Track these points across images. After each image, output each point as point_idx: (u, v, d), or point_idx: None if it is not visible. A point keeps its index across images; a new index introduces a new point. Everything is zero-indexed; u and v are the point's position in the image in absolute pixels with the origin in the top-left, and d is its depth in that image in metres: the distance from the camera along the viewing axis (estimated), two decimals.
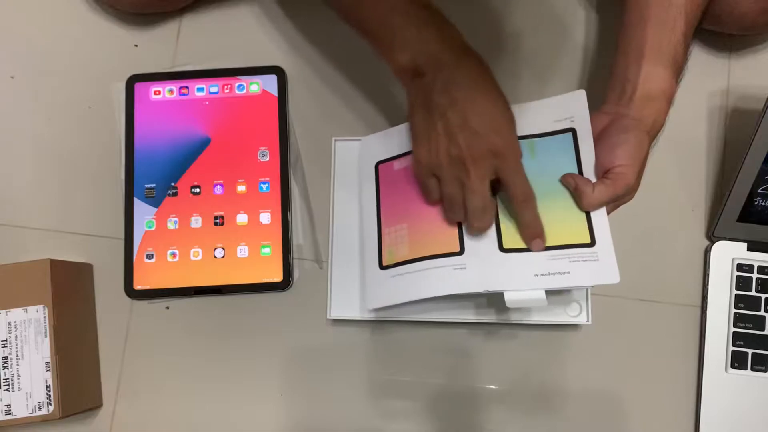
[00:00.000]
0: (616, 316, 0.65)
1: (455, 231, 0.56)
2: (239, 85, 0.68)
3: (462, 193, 0.53)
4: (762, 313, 0.63)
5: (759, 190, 0.61)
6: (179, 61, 0.71)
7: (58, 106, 0.70)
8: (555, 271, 0.53)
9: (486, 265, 0.54)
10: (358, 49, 0.70)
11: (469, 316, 0.62)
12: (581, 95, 0.57)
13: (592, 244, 0.53)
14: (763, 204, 0.61)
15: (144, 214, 0.66)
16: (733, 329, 0.63)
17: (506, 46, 0.70)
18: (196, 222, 0.66)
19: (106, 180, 0.68)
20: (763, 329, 0.62)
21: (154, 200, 0.66)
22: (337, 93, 0.69)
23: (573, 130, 0.56)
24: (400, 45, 0.52)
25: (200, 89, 0.68)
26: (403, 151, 0.60)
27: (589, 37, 0.70)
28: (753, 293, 0.63)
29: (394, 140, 0.61)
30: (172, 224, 0.66)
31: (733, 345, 0.62)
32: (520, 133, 0.55)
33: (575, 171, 0.55)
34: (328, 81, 0.70)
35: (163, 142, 0.67)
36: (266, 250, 0.65)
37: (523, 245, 0.55)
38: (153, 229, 0.66)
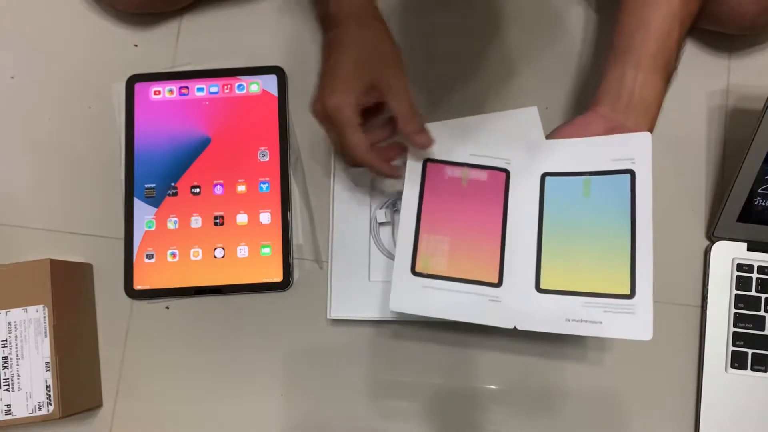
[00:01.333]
0: None
1: (497, 260, 0.55)
2: (239, 85, 0.68)
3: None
4: (762, 313, 0.63)
5: (759, 190, 0.61)
6: (179, 61, 0.71)
7: (58, 106, 0.70)
8: (588, 319, 0.52)
9: (520, 302, 0.54)
10: None
11: (469, 317, 0.62)
12: (647, 138, 0.55)
13: (632, 295, 0.52)
14: (763, 204, 0.61)
15: (144, 214, 0.66)
16: (733, 329, 0.63)
17: (504, 46, 0.70)
18: (196, 222, 0.66)
19: (106, 180, 0.68)
20: (763, 329, 0.62)
21: (154, 200, 0.66)
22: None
23: (632, 173, 0.55)
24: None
25: (200, 89, 0.68)
26: (459, 161, 0.59)
27: (587, 37, 0.70)
28: (753, 293, 0.63)
29: (454, 143, 0.59)
30: (172, 224, 0.66)
31: (733, 345, 0.62)
32: (577, 168, 0.55)
33: (628, 216, 0.54)
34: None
35: (163, 142, 0.67)
36: (266, 250, 0.65)
37: (560, 287, 0.54)
38: (153, 229, 0.66)
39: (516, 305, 0.54)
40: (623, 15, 0.58)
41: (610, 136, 0.55)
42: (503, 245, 0.56)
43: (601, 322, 0.52)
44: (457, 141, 0.59)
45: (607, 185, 0.55)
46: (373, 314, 0.63)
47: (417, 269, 0.56)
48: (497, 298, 0.54)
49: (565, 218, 0.56)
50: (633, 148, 0.55)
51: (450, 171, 0.59)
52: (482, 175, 0.58)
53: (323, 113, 0.54)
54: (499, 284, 0.55)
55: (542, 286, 0.54)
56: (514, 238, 0.56)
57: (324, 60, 0.56)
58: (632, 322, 0.51)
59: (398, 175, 0.57)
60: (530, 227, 0.56)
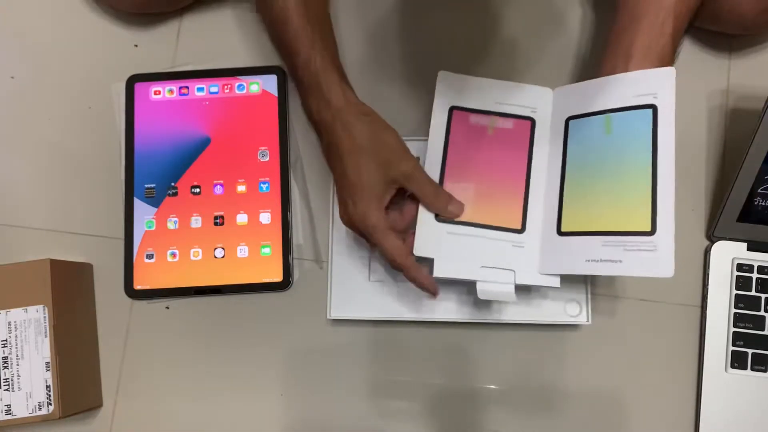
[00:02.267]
0: (616, 316, 0.65)
1: (520, 206, 0.56)
2: (239, 85, 0.68)
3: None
4: (762, 313, 0.63)
5: (759, 190, 0.61)
6: (179, 61, 0.71)
7: (58, 106, 0.70)
8: (607, 258, 0.51)
9: (543, 247, 0.54)
10: (357, 49, 0.70)
11: (469, 316, 0.62)
12: (670, 73, 0.53)
13: (652, 232, 0.51)
14: (763, 204, 0.61)
15: (144, 214, 0.66)
16: (733, 329, 0.63)
17: (503, 44, 0.70)
18: (196, 222, 0.66)
19: (106, 180, 0.68)
20: (763, 329, 0.62)
21: (154, 200, 0.66)
22: None
23: (654, 107, 0.53)
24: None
25: (200, 89, 0.68)
26: (485, 108, 0.59)
27: (586, 34, 0.70)
28: (753, 293, 0.63)
29: (480, 92, 0.59)
30: (172, 224, 0.66)
31: (733, 345, 0.62)
32: (600, 107, 0.55)
33: (649, 151, 0.52)
34: None
35: (163, 142, 0.67)
36: (266, 250, 0.65)
37: (581, 228, 0.53)
38: (153, 229, 0.66)
39: (537, 250, 0.54)
40: (618, 13, 0.58)
41: (633, 72, 0.54)
42: (527, 192, 0.57)
43: (621, 261, 0.51)
44: (483, 91, 0.60)
45: (629, 121, 0.54)
46: (373, 314, 0.63)
47: (441, 216, 0.57)
48: (520, 244, 0.55)
49: (588, 158, 0.55)
50: (656, 83, 0.53)
51: (475, 119, 0.59)
52: (508, 123, 0.59)
53: (352, 226, 0.55)
54: (522, 230, 0.55)
55: (563, 229, 0.54)
56: (537, 184, 0.57)
57: (333, 170, 0.57)
58: (652, 259, 0.50)
59: (437, 292, 0.57)
60: (554, 172, 0.56)
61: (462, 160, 0.58)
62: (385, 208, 0.54)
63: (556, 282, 0.55)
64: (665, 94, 0.53)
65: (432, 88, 0.60)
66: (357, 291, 0.63)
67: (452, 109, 0.59)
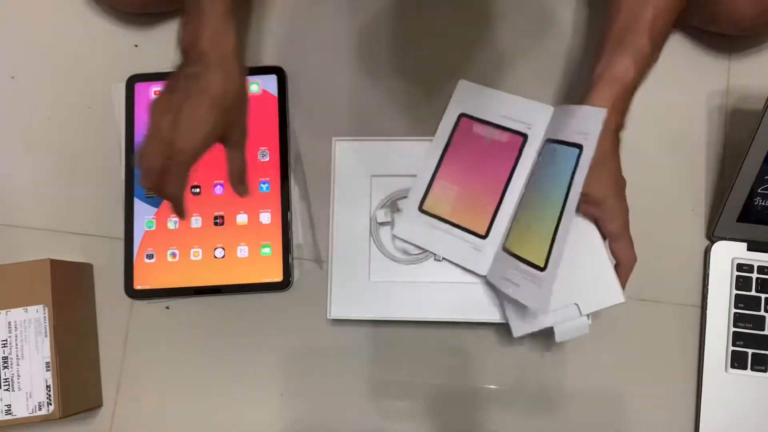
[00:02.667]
0: (616, 316, 0.65)
1: (490, 215, 0.62)
2: None
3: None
4: (762, 313, 0.63)
5: (759, 190, 0.61)
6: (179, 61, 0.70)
7: (58, 106, 0.70)
8: (512, 279, 0.57)
9: (492, 256, 0.61)
10: (357, 49, 0.70)
11: (469, 316, 0.62)
12: (600, 113, 0.54)
13: (544, 269, 0.55)
14: (763, 204, 0.61)
15: (144, 214, 0.66)
16: (733, 329, 0.63)
17: (498, 43, 0.70)
18: (196, 222, 0.66)
19: (106, 180, 0.68)
20: (763, 329, 0.62)
21: (154, 200, 0.66)
22: (337, 93, 0.69)
23: (580, 147, 0.55)
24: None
25: None
26: (491, 120, 0.64)
27: (580, 34, 0.70)
28: (753, 293, 0.63)
29: (490, 104, 0.65)
30: (172, 224, 0.66)
31: (733, 345, 0.62)
32: (558, 136, 0.58)
33: (564, 191, 0.55)
34: (328, 81, 0.70)
35: None
36: (266, 250, 0.65)
37: (512, 248, 0.59)
38: (153, 229, 0.66)
39: (490, 257, 0.61)
40: (606, 14, 0.58)
41: (576, 105, 0.57)
42: (499, 204, 0.62)
43: (518, 285, 0.56)
44: (492, 102, 0.65)
45: (560, 155, 0.58)
46: (373, 314, 0.63)
47: (424, 207, 0.64)
48: (479, 248, 0.61)
49: (536, 183, 0.60)
50: (588, 122, 0.55)
51: (478, 128, 0.64)
52: (503, 136, 0.63)
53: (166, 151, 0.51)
54: (485, 236, 0.62)
55: (505, 245, 0.60)
56: (510, 198, 0.62)
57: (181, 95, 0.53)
58: (534, 292, 0.55)
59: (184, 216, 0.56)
60: (520, 188, 0.61)
61: (456, 163, 0.64)
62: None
63: (619, 298, 0.57)
64: (592, 135, 0.54)
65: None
66: (357, 291, 0.63)
67: (461, 116, 0.65)
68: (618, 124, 0.55)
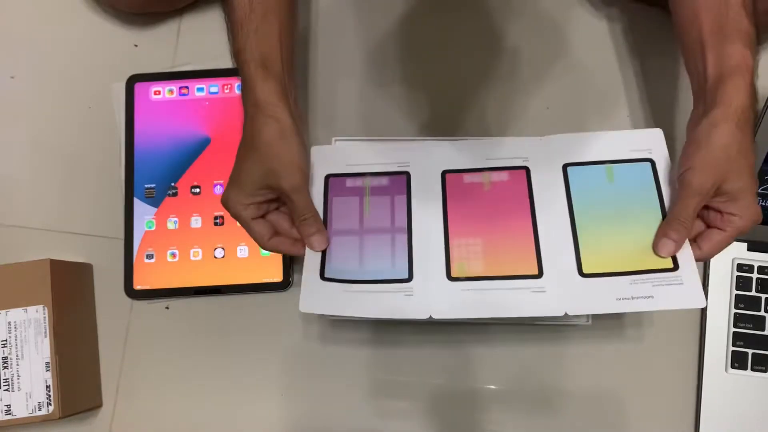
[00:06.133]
0: (616, 316, 0.65)
1: (533, 252, 0.55)
2: (239, 85, 0.68)
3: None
4: (762, 313, 0.63)
5: (759, 190, 0.61)
6: (179, 61, 0.71)
7: (58, 106, 0.70)
8: (638, 295, 0.52)
9: (566, 289, 0.54)
10: (358, 49, 0.70)
11: (469, 316, 0.62)
12: (659, 133, 0.57)
13: (675, 268, 0.52)
14: (763, 204, 0.61)
15: (144, 214, 0.66)
16: (733, 329, 0.63)
17: (506, 50, 0.70)
18: (196, 222, 0.66)
19: (106, 180, 0.68)
20: (763, 329, 0.62)
21: (154, 200, 0.66)
22: (338, 93, 0.69)
23: (652, 161, 0.56)
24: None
25: (200, 89, 0.68)
26: (474, 167, 0.59)
27: (588, 37, 0.70)
28: (753, 293, 0.63)
29: (462, 153, 0.60)
30: (172, 224, 0.66)
31: (733, 345, 0.62)
32: (597, 158, 0.57)
33: (656, 199, 0.55)
34: (328, 81, 0.70)
35: (163, 142, 0.67)
36: None
37: (604, 270, 0.54)
38: (153, 229, 0.66)
39: (561, 292, 0.54)
40: (677, 16, 0.55)
41: (625, 131, 0.57)
42: (536, 237, 0.56)
43: (652, 296, 0.52)
44: (472, 151, 0.60)
45: (630, 171, 0.57)
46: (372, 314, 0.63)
47: (453, 275, 0.55)
48: (542, 288, 0.54)
49: (595, 203, 0.56)
50: (647, 141, 0.57)
51: (469, 177, 0.59)
52: (503, 176, 0.59)
53: (223, 205, 0.55)
54: (540, 275, 0.55)
55: (585, 271, 0.54)
56: (546, 228, 0.57)
57: (238, 149, 0.56)
58: (682, 292, 0.52)
59: (301, 252, 0.56)
60: (561, 216, 0.57)
61: (464, 217, 0.58)
62: (260, 204, 0.54)
63: (701, 302, 0.53)
64: (659, 150, 0.57)
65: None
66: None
67: (444, 172, 0.59)
68: (748, 113, 0.50)
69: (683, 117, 0.57)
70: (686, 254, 0.53)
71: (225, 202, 0.54)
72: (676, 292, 0.52)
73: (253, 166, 0.53)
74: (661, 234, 0.52)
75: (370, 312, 0.55)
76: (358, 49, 0.70)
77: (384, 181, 0.60)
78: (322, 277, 0.56)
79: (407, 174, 0.60)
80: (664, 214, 0.54)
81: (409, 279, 0.56)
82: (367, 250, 0.57)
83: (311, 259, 0.56)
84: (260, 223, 0.55)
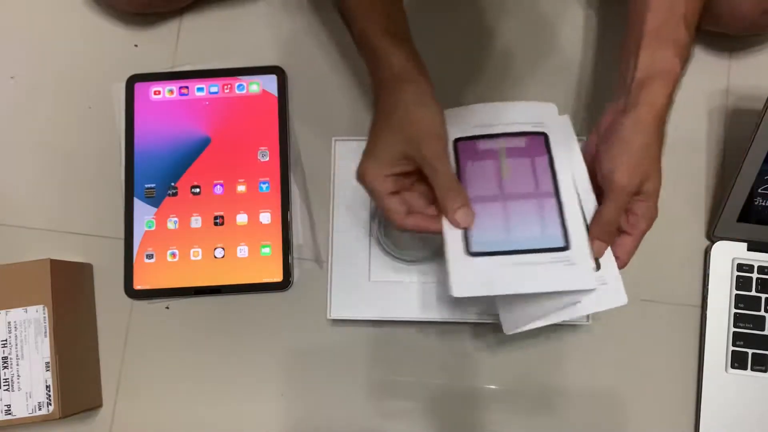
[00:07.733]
0: (616, 315, 0.64)
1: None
2: (239, 85, 0.68)
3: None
4: (762, 313, 0.63)
5: (759, 190, 0.61)
6: (179, 61, 0.71)
7: (58, 106, 0.70)
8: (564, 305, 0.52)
9: (589, 262, 0.51)
10: (354, 47, 0.70)
11: (469, 316, 0.62)
12: (552, 107, 0.56)
13: (598, 269, 0.51)
14: (763, 204, 0.61)
15: (144, 214, 0.66)
16: (733, 329, 0.63)
17: (504, 44, 0.70)
18: (196, 222, 0.66)
19: (106, 180, 0.68)
20: (763, 329, 0.62)
21: (154, 200, 0.66)
22: (337, 93, 0.69)
23: (545, 135, 0.55)
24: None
25: (200, 89, 0.68)
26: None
27: (586, 35, 0.70)
28: (753, 293, 0.63)
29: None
30: (172, 224, 0.66)
31: (733, 345, 0.62)
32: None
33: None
34: (328, 81, 0.70)
35: (163, 142, 0.67)
36: (266, 250, 0.65)
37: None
38: (153, 229, 0.66)
39: (588, 267, 0.51)
40: (629, 12, 0.56)
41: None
42: (560, 205, 0.53)
43: (580, 302, 0.51)
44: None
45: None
46: (373, 314, 0.63)
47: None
48: (571, 261, 0.51)
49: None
50: (540, 114, 0.56)
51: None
52: (521, 141, 0.56)
53: (357, 179, 0.53)
54: (566, 248, 0.51)
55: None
56: (567, 198, 0.53)
57: (370, 126, 0.54)
58: (607, 292, 0.51)
59: (440, 229, 0.53)
60: (576, 188, 0.54)
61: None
62: (397, 177, 0.52)
63: (623, 299, 0.52)
64: (552, 123, 0.55)
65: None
66: (357, 291, 0.63)
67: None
68: (667, 117, 0.53)
69: (677, 114, 0.58)
70: (607, 254, 0.52)
71: (362, 174, 0.52)
72: (602, 293, 0.50)
73: (391, 136, 0.51)
74: (593, 237, 0.51)
75: (534, 287, 0.50)
76: (354, 47, 0.70)
77: (521, 142, 0.56)
78: (469, 252, 0.51)
79: (545, 135, 0.56)
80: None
81: (566, 247, 0.51)
82: (513, 217, 0.53)
83: (452, 236, 0.51)
84: (396, 199, 0.52)
